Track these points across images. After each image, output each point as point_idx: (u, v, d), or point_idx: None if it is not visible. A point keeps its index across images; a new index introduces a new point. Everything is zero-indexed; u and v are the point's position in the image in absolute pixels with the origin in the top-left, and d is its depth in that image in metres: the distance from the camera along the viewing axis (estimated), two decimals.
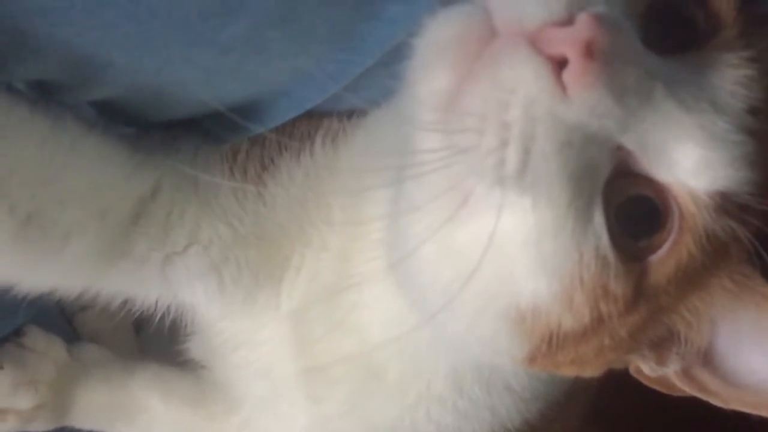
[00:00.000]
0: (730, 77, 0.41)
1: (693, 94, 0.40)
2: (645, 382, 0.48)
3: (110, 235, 0.54)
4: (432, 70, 0.40)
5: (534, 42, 0.37)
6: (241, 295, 0.58)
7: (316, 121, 0.58)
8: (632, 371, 0.48)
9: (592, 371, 0.47)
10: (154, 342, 0.77)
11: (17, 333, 0.67)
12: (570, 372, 0.47)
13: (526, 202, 0.39)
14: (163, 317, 0.61)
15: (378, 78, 0.53)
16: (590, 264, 0.40)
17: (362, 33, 0.51)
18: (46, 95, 0.51)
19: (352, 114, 0.58)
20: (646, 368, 0.47)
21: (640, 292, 0.42)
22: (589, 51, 0.36)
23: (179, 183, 0.56)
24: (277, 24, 0.48)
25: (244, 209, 0.57)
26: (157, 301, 0.59)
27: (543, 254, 0.40)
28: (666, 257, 0.41)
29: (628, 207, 0.41)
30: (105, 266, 0.55)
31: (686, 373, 0.47)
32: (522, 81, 0.37)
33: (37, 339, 0.67)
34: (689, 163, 0.40)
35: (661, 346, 0.47)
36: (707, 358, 0.47)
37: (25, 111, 0.50)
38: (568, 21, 0.37)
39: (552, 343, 0.43)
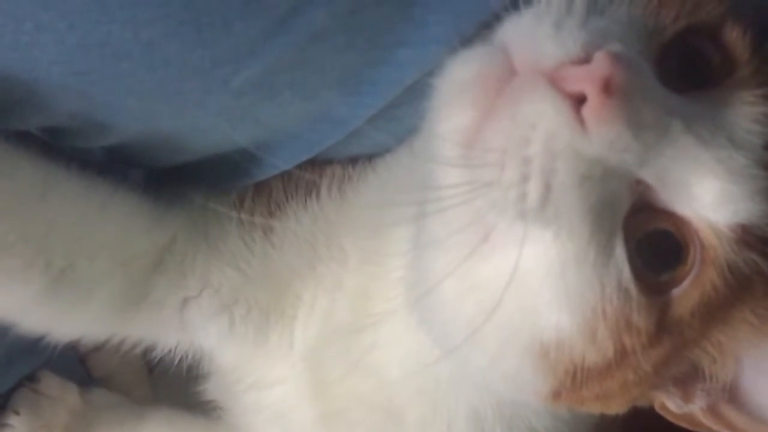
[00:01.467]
0: (747, 114, 0.41)
1: (710, 130, 0.40)
2: (670, 418, 0.48)
3: (133, 284, 0.56)
4: (453, 108, 0.41)
5: (553, 80, 0.38)
6: (252, 334, 0.58)
7: (320, 169, 0.59)
8: (657, 408, 0.48)
9: (617, 407, 0.47)
10: (168, 383, 0.77)
11: (31, 378, 0.67)
12: (595, 408, 0.47)
13: (547, 235, 0.39)
14: (180, 361, 0.62)
15: (391, 120, 0.54)
16: (612, 297, 0.40)
17: (372, 77, 0.51)
18: (58, 140, 0.53)
19: (355, 161, 0.59)
20: (671, 404, 0.47)
21: (663, 326, 0.42)
22: (607, 87, 0.37)
23: (192, 231, 0.59)
24: (288, 70, 0.49)
25: (252, 252, 0.58)
26: (176, 346, 0.61)
27: (565, 287, 0.40)
28: (689, 290, 0.41)
29: (648, 242, 0.41)
30: (128, 314, 0.57)
31: (712, 410, 0.47)
32: (542, 116, 0.38)
33: (51, 384, 0.68)
34: (709, 197, 0.40)
35: (686, 382, 0.46)
36: (733, 395, 0.46)
37: (63, 173, 0.53)
38: (585, 60, 0.38)
39: (576, 378, 0.43)
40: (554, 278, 0.40)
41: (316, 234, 0.58)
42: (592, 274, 0.40)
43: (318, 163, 0.58)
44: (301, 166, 0.57)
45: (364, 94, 0.52)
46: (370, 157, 0.58)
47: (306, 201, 0.58)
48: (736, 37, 0.44)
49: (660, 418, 0.49)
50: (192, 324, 0.59)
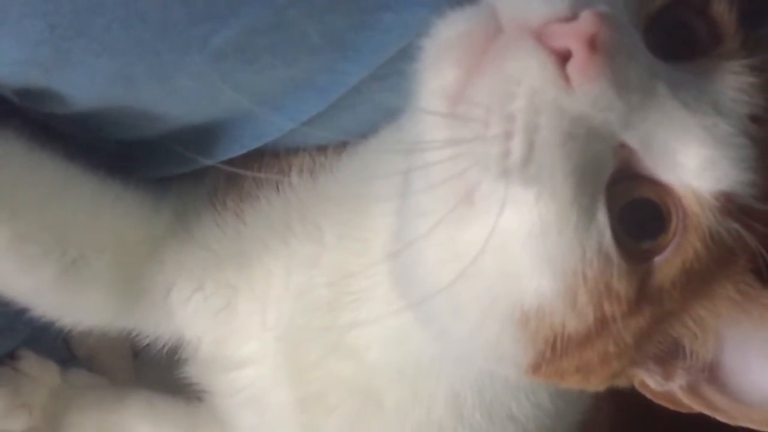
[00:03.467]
0: (732, 83, 0.42)
1: (695, 96, 0.40)
2: (651, 397, 0.47)
3: (132, 274, 0.59)
4: (439, 66, 0.41)
5: (539, 37, 0.38)
6: (221, 311, 0.59)
7: (286, 159, 0.59)
8: (637, 386, 0.47)
9: (597, 382, 0.46)
10: (151, 366, 0.75)
11: (12, 356, 0.66)
12: (574, 382, 0.46)
13: (529, 195, 0.39)
14: (164, 346, 0.63)
15: (371, 94, 0.54)
16: (593, 261, 0.40)
17: (355, 43, 0.51)
18: (30, 103, 0.53)
19: (324, 149, 0.59)
20: (651, 382, 0.46)
21: (644, 294, 0.41)
22: (593, 44, 0.37)
23: (172, 219, 0.61)
24: (268, 32, 0.48)
25: (224, 231, 0.59)
26: (163, 334, 0.62)
27: (546, 250, 0.40)
28: (671, 258, 0.41)
29: (631, 209, 0.41)
30: (127, 303, 0.60)
31: (692, 389, 0.46)
32: (526, 72, 0.38)
33: (31, 363, 0.67)
34: (693, 163, 0.40)
35: (667, 360, 0.46)
36: (713, 374, 0.46)
37: (80, 169, 0.56)
38: (572, 18, 0.38)
39: (556, 348, 0.42)
40: (535, 241, 0.40)
41: (289, 212, 0.58)
42: (573, 237, 0.40)
43: (283, 155, 0.59)
44: (264, 160, 0.59)
45: (347, 61, 0.52)
46: (341, 144, 0.58)
47: (277, 186, 0.59)
48: (723, 11, 0.44)
49: (653, 423, 0.49)
50: (174, 309, 0.60)
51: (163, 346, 0.63)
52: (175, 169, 0.60)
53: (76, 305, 0.59)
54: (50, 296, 0.58)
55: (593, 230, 0.40)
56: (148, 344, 0.63)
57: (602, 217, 0.40)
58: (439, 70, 0.41)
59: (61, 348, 0.73)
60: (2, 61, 0.46)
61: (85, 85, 0.49)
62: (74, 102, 0.51)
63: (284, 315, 0.57)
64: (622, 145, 0.40)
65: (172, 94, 0.51)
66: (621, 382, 0.47)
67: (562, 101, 0.38)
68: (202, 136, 0.58)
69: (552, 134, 0.38)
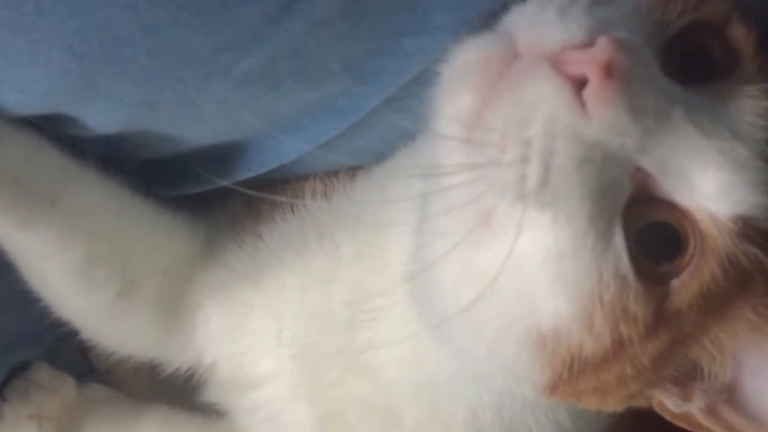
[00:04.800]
0: (749, 108, 0.42)
1: (712, 121, 0.40)
2: (669, 418, 0.47)
3: (171, 298, 0.61)
4: (456, 92, 0.41)
5: (555, 63, 0.38)
6: (237, 327, 0.60)
7: (298, 184, 0.60)
8: (656, 407, 0.47)
9: (614, 403, 0.46)
10: (170, 382, 0.73)
11: (25, 367, 0.67)
12: (592, 403, 0.46)
13: (545, 218, 0.39)
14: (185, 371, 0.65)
15: (387, 115, 0.54)
16: (610, 284, 0.40)
17: (375, 67, 0.52)
18: (57, 128, 0.54)
19: (335, 173, 0.60)
20: (669, 404, 0.46)
21: (661, 317, 0.41)
22: (609, 70, 0.37)
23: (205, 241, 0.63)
24: (290, 58, 0.49)
25: (243, 249, 0.60)
26: (185, 359, 0.65)
27: (563, 273, 0.40)
28: (688, 281, 0.41)
29: (648, 233, 0.41)
30: (167, 328, 0.62)
31: (711, 411, 0.46)
32: (543, 98, 0.38)
33: (44, 374, 0.67)
34: (710, 187, 0.40)
35: (685, 381, 0.46)
36: (732, 395, 0.46)
37: (139, 196, 0.59)
38: (589, 45, 0.39)
39: (573, 370, 0.42)
40: (552, 264, 0.40)
41: (305, 230, 0.59)
42: (590, 260, 0.40)
43: (292, 181, 0.61)
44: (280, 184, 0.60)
45: (367, 84, 0.52)
46: (353, 168, 0.59)
47: (292, 209, 0.60)
48: (741, 34, 0.44)
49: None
50: (197, 331, 0.62)
51: (185, 372, 0.65)
52: (191, 189, 0.62)
53: (123, 329, 0.62)
54: (103, 319, 0.61)
55: (610, 253, 0.40)
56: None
57: (619, 240, 0.40)
58: (455, 96, 0.41)
59: (80, 360, 0.74)
60: (31, 90, 0.47)
61: (109, 111, 0.50)
62: (98, 126, 0.52)
63: (300, 332, 0.57)
64: (639, 169, 0.40)
65: (194, 118, 0.52)
66: (639, 403, 0.47)
67: (578, 127, 0.38)
68: (222, 154, 0.59)
69: (568, 159, 0.38)
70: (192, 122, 0.53)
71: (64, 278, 0.58)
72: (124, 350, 0.63)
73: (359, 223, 0.57)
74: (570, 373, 0.43)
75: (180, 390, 0.70)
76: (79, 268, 0.57)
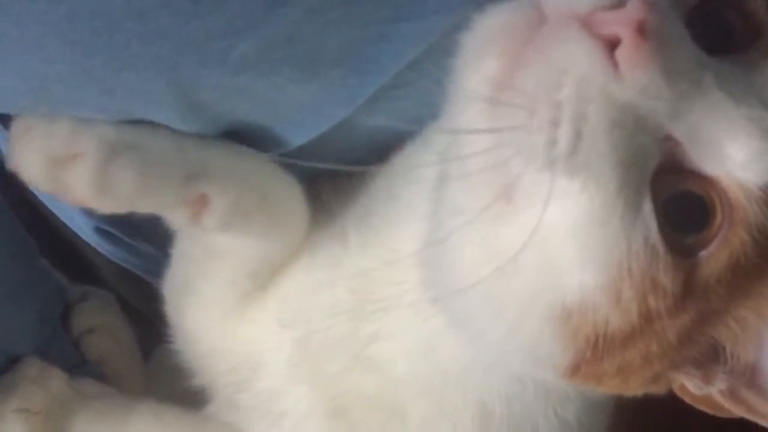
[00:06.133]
0: None
1: (741, 89, 0.39)
2: (690, 401, 0.46)
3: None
4: (483, 58, 0.40)
5: (585, 25, 0.37)
6: (240, 309, 0.58)
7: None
8: (677, 390, 0.46)
9: (636, 385, 0.45)
10: (162, 369, 0.76)
11: (15, 361, 0.65)
12: (613, 385, 0.45)
13: (574, 186, 0.38)
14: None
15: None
16: (639, 254, 0.39)
17: (373, 55, 0.50)
18: None
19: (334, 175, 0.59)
20: (691, 386, 0.45)
21: (689, 290, 0.40)
22: (642, 30, 0.36)
23: None
24: (285, 45, 0.48)
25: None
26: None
27: (590, 243, 0.39)
28: (716, 252, 0.40)
29: (675, 203, 0.40)
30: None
31: (732, 393, 0.45)
32: (574, 60, 0.37)
33: (32, 367, 0.66)
34: (740, 155, 0.39)
35: (707, 364, 0.45)
36: (754, 378, 0.45)
37: None
38: (619, 6, 0.38)
39: (598, 348, 0.41)
40: (579, 234, 0.39)
41: (314, 214, 0.58)
42: (619, 229, 0.38)
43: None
44: None
45: (365, 73, 0.51)
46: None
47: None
48: (759, 5, 0.43)
49: None
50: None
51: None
52: None
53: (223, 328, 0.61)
54: (214, 320, 0.60)
55: (639, 223, 0.39)
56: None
57: (648, 210, 0.39)
58: (482, 62, 0.40)
59: (72, 353, 0.73)
60: (25, 76, 0.46)
61: (105, 100, 0.49)
62: (95, 116, 0.51)
63: (303, 315, 0.56)
64: (668, 137, 0.39)
65: (191, 107, 0.51)
66: (659, 387, 0.46)
67: (610, 89, 0.37)
68: None
69: (600, 122, 0.37)
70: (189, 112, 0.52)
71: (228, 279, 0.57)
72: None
73: (371, 211, 0.56)
74: (594, 351, 0.41)
75: (171, 381, 0.69)
76: (252, 271, 0.56)
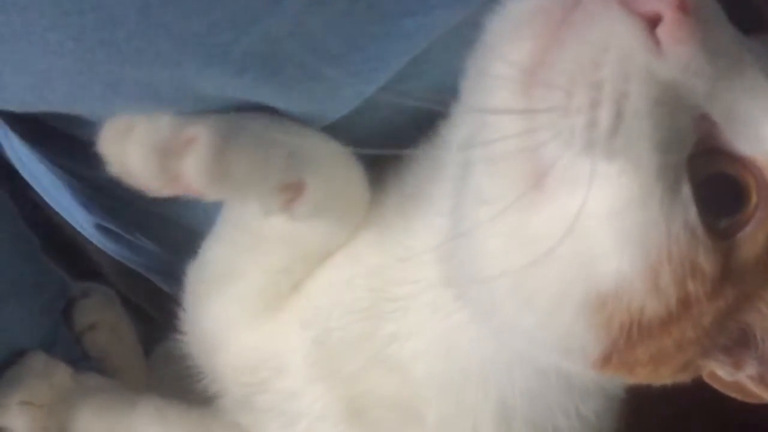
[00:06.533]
0: None
1: None
2: (720, 388, 0.45)
3: None
4: (514, 41, 0.39)
5: (623, 2, 0.37)
6: (263, 309, 0.57)
7: None
8: (706, 377, 0.45)
9: (667, 373, 0.44)
10: (164, 365, 0.76)
11: (20, 354, 0.65)
12: (644, 375, 0.44)
13: (613, 169, 0.37)
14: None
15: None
16: (679, 237, 0.38)
17: (377, 53, 0.49)
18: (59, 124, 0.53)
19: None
20: (722, 372, 0.44)
21: (727, 273, 0.39)
22: (684, 7, 0.36)
23: None
24: (288, 40, 0.47)
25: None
26: None
27: (629, 228, 0.38)
28: (753, 234, 0.39)
29: (708, 186, 0.40)
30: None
31: (762, 379, 0.44)
32: (614, 38, 0.36)
33: (36, 361, 0.65)
34: None
35: (737, 350, 0.44)
36: None
37: None
38: None
39: (632, 335, 0.40)
40: (617, 219, 0.38)
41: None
42: (659, 212, 0.38)
43: None
44: None
45: (371, 71, 0.50)
46: None
47: None
48: None
49: None
50: None
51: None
52: None
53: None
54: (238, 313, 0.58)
55: (678, 205, 0.38)
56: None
57: (686, 192, 0.38)
58: (515, 44, 0.39)
59: (74, 348, 0.72)
60: (30, 70, 0.46)
61: (108, 95, 0.48)
62: (98, 113, 0.51)
63: (322, 312, 0.54)
64: (704, 117, 0.39)
65: (196, 101, 0.50)
66: (687, 375, 0.45)
67: (652, 66, 0.36)
68: None
69: (642, 102, 0.36)
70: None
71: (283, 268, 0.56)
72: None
73: (388, 208, 0.55)
74: (627, 339, 0.41)
75: (174, 377, 0.69)
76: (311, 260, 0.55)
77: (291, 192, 0.51)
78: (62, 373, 0.66)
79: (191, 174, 0.47)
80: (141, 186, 0.48)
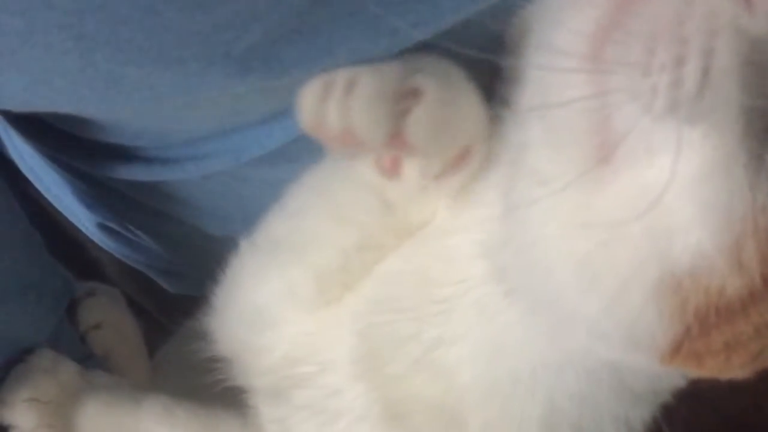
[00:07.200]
0: None
1: None
2: None
3: None
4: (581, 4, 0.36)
5: None
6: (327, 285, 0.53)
7: None
8: None
9: (739, 363, 0.40)
10: (168, 365, 0.76)
11: (28, 351, 0.65)
12: (713, 366, 0.40)
13: (696, 134, 0.34)
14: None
15: None
16: (765, 207, 0.35)
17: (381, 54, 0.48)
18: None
19: None
20: None
21: None
22: None
23: None
24: (292, 39, 0.46)
25: None
26: None
27: (712, 197, 0.35)
28: None
29: None
30: None
31: None
32: None
33: (44, 358, 0.64)
34: None
35: None
36: None
37: None
38: None
39: (707, 320, 0.37)
40: (698, 189, 0.35)
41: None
42: (743, 181, 0.35)
43: None
44: None
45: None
46: None
47: None
48: None
49: None
50: None
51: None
52: None
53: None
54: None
55: (763, 173, 0.35)
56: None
57: None
58: (580, 7, 0.36)
59: (79, 346, 0.72)
60: (29, 70, 0.45)
61: (110, 94, 0.47)
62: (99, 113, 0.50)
63: (371, 305, 0.51)
64: None
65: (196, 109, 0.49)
66: (756, 365, 0.42)
67: (741, 22, 0.33)
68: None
69: (730, 59, 0.33)
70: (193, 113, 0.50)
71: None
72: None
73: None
74: (702, 325, 0.38)
75: (178, 377, 0.70)
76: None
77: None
78: (69, 370, 0.65)
79: (415, 131, 0.44)
80: (357, 143, 0.45)
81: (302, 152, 0.55)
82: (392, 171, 0.48)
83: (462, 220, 0.49)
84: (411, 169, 0.48)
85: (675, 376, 0.47)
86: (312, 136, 0.46)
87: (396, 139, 0.44)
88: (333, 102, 0.44)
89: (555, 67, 0.37)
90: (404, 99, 0.44)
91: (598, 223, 0.37)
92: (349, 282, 0.52)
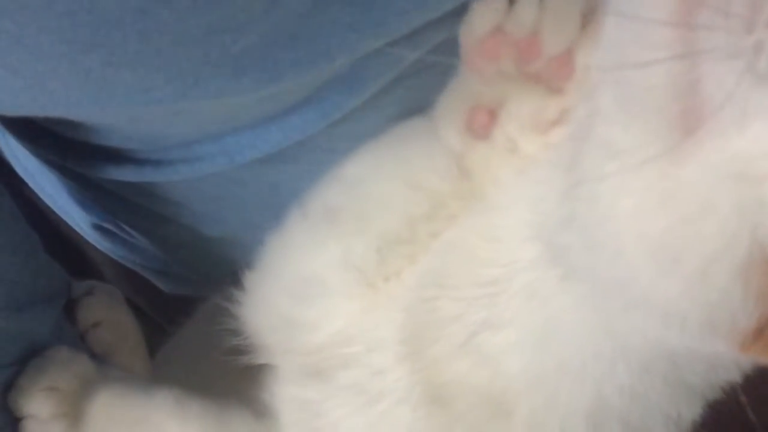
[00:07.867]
0: None
1: None
2: None
3: None
4: None
5: None
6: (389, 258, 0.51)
7: None
8: None
9: None
10: (168, 364, 0.76)
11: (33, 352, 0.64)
12: None
13: None
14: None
15: None
16: None
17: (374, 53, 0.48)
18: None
19: None
20: None
21: None
22: None
23: None
24: (289, 43, 0.46)
25: None
26: None
27: None
28: None
29: None
30: None
31: None
32: None
33: (59, 351, 0.65)
34: None
35: None
36: None
37: None
38: None
39: None
40: None
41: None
42: None
43: None
44: None
45: (368, 79, 0.49)
46: None
47: None
48: None
49: None
50: None
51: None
52: None
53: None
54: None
55: None
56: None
57: None
58: None
59: (79, 345, 0.71)
60: (22, 74, 0.44)
61: (103, 98, 0.47)
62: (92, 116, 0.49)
63: (419, 278, 0.49)
64: None
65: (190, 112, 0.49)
66: None
67: None
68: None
69: None
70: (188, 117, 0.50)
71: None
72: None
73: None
74: None
75: (178, 376, 0.70)
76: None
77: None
78: (85, 363, 0.65)
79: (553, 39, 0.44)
80: (529, 52, 0.44)
81: (298, 154, 0.56)
82: (485, 131, 0.46)
83: (511, 197, 0.47)
84: (503, 129, 0.46)
85: (733, 369, 0.46)
86: (465, 43, 0.45)
87: (563, 57, 0.43)
88: (527, 4, 0.43)
89: (638, 18, 0.33)
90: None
91: (679, 198, 0.35)
92: (412, 255, 0.50)
